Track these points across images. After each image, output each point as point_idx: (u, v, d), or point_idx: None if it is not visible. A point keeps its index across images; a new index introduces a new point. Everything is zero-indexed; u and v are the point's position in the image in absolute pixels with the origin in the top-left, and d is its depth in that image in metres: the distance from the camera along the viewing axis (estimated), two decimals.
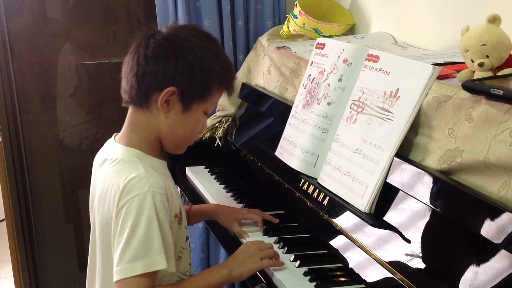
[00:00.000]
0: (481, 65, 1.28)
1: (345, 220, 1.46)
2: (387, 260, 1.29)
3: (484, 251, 1.08)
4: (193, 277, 1.42)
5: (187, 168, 2.22)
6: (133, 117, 1.38)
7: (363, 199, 1.41)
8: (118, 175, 1.31)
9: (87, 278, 1.48)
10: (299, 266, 1.43)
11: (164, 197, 1.29)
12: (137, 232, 1.25)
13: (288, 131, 1.79)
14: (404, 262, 1.25)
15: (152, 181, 1.28)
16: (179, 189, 2.32)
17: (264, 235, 1.63)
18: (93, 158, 1.46)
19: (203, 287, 1.37)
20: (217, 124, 2.34)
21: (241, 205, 1.84)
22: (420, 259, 1.23)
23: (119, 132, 1.43)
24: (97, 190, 1.38)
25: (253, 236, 1.61)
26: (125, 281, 1.24)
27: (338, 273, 1.41)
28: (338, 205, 1.49)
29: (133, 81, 1.32)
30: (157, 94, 1.31)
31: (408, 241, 1.27)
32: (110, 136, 1.45)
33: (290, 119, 1.79)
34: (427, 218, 1.25)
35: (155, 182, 1.29)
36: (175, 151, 1.43)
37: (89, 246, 1.45)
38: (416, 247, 1.25)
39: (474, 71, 1.32)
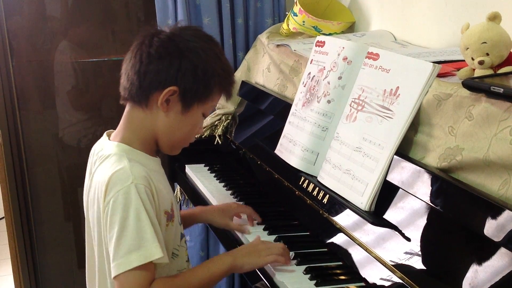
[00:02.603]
0: (481, 63, 1.28)
1: (345, 218, 1.46)
2: (387, 258, 1.29)
3: (484, 249, 1.08)
4: (196, 267, 1.43)
5: (186, 166, 2.22)
6: (130, 114, 1.38)
7: (363, 197, 1.41)
8: (105, 170, 1.32)
9: (86, 275, 1.48)
10: (299, 264, 1.43)
11: (148, 190, 1.29)
12: (127, 226, 1.25)
13: (288, 129, 1.78)
14: (404, 260, 1.25)
15: (136, 173, 1.28)
16: (178, 186, 2.32)
17: (264, 230, 1.63)
18: None
19: (206, 276, 1.36)
20: (216, 122, 2.34)
21: (240, 203, 1.84)
22: (420, 258, 1.23)
23: (114, 129, 1.44)
24: (89, 187, 1.39)
25: (253, 231, 1.62)
26: (124, 276, 1.24)
27: (338, 271, 1.41)
28: (338, 203, 1.49)
29: (134, 78, 1.33)
30: (158, 93, 1.32)
31: (408, 239, 1.27)
32: None
33: (290, 117, 1.79)
34: (427, 216, 1.25)
35: (139, 174, 1.29)
36: (171, 151, 1.44)
37: (86, 243, 1.45)
38: (416, 245, 1.25)
39: (474, 69, 1.32)
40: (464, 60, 1.36)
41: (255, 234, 1.61)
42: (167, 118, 1.35)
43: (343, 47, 1.63)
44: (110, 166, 1.31)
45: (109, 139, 1.41)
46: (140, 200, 1.26)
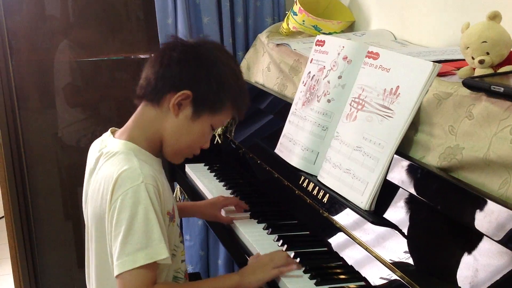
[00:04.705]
0: (481, 62, 1.28)
1: (345, 218, 1.46)
2: (387, 257, 1.29)
3: (484, 248, 1.08)
4: (204, 280, 1.45)
5: (186, 165, 2.22)
6: (142, 112, 1.40)
7: (363, 197, 1.41)
8: (112, 167, 1.32)
9: (86, 274, 1.48)
10: (299, 263, 1.43)
11: (156, 190, 1.30)
12: (135, 224, 1.25)
13: (288, 129, 1.78)
14: (404, 259, 1.25)
15: (145, 173, 1.29)
16: (178, 186, 2.32)
17: (263, 229, 1.63)
18: None
19: None
20: None
21: (227, 196, 1.86)
22: (420, 257, 1.23)
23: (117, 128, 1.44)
24: (91, 184, 1.39)
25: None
26: (128, 274, 1.24)
27: (338, 271, 1.41)
28: (338, 203, 1.48)
29: (151, 77, 1.36)
30: (172, 95, 1.35)
31: (408, 239, 1.27)
32: None
33: (290, 117, 1.79)
34: (427, 216, 1.25)
35: (148, 173, 1.30)
36: (173, 158, 1.44)
37: (85, 242, 1.45)
38: (416, 244, 1.25)
39: (474, 68, 1.32)
40: (464, 59, 1.36)
41: (254, 231, 1.62)
42: (176, 121, 1.37)
43: (343, 46, 1.63)
44: (119, 164, 1.31)
45: (113, 136, 1.41)
46: (149, 199, 1.27)
